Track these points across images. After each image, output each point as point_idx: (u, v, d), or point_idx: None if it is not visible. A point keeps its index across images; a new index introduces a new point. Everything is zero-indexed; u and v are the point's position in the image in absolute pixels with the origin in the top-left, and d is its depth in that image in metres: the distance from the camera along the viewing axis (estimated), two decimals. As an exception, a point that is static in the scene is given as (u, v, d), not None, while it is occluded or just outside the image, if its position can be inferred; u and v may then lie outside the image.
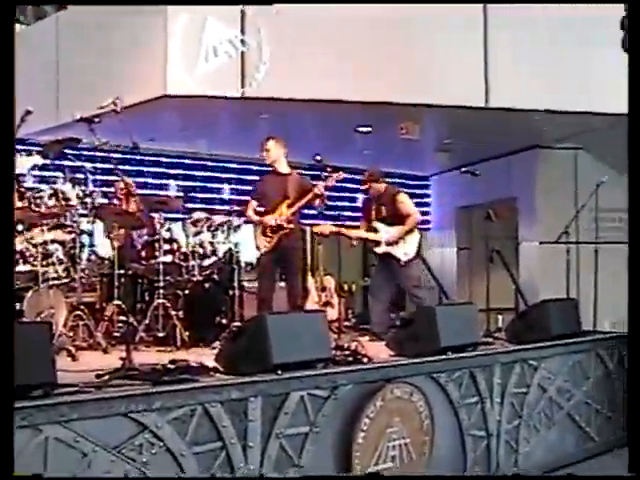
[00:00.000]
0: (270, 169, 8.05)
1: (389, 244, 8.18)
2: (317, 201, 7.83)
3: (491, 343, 6.99)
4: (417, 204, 15.21)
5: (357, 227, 8.59)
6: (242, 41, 8.62)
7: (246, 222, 8.50)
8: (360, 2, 8.62)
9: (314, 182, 7.90)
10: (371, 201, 8.40)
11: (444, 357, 5.94)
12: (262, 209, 7.96)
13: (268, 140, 7.88)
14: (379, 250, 8.23)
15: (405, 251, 8.20)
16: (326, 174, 7.79)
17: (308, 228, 8.78)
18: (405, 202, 8.41)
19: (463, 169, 8.59)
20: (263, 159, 8.01)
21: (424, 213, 15.41)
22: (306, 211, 8.36)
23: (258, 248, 7.83)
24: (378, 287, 8.46)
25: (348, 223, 9.09)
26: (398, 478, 5.49)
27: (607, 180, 9.05)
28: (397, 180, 14.81)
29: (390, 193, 8.45)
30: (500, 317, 8.74)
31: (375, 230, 8.27)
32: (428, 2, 8.81)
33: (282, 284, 8.09)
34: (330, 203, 8.32)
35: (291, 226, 7.77)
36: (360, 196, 8.18)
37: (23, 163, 6.61)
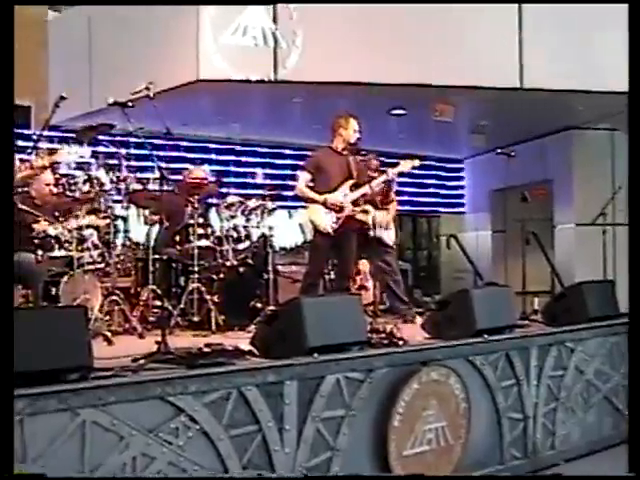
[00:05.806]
0: (325, 145, 7.75)
1: (381, 227, 8.15)
2: (384, 186, 7.81)
3: (527, 326, 6.95)
4: (452, 187, 15.34)
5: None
6: (274, 35, 8.61)
7: (289, 197, 8.38)
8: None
9: (383, 168, 7.88)
10: None
11: (480, 339, 5.90)
12: (313, 184, 7.55)
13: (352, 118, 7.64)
14: (372, 234, 7.94)
15: (389, 235, 8.22)
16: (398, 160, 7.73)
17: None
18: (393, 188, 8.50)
19: (498, 150, 8.49)
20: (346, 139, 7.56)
21: (459, 196, 15.40)
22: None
23: (317, 227, 7.42)
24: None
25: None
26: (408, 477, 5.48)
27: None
28: (433, 163, 14.82)
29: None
30: (536, 300, 8.67)
31: (365, 212, 8.17)
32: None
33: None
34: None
35: (363, 208, 7.68)
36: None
37: (67, 154, 6.57)
